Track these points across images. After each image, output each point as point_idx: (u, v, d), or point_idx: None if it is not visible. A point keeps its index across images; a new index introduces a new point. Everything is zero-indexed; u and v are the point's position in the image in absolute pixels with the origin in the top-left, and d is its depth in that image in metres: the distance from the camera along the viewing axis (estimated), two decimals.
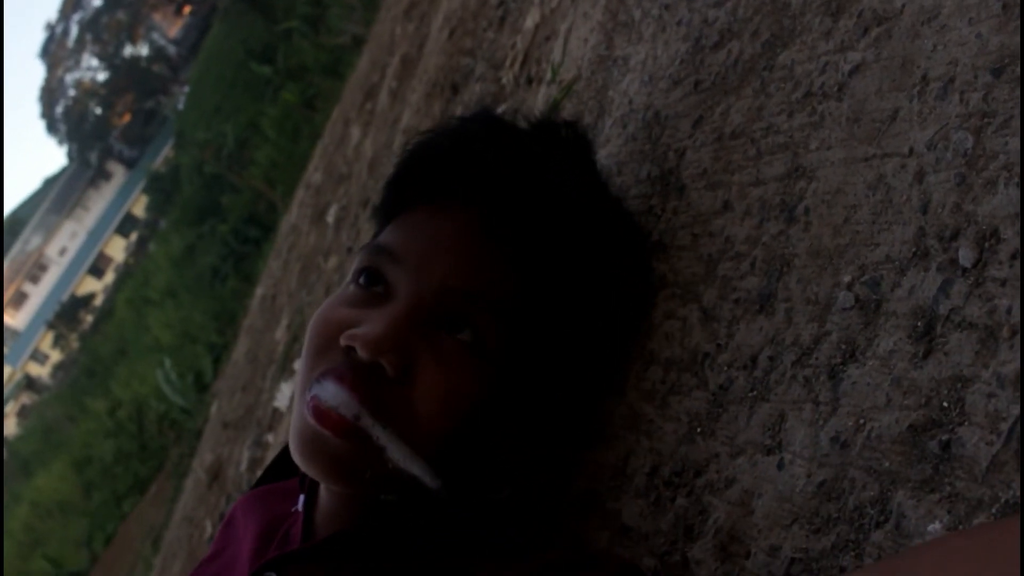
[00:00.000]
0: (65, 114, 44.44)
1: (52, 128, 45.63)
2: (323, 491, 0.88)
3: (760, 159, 0.85)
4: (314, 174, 6.58)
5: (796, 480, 0.68)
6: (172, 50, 41.90)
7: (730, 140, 0.90)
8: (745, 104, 0.90)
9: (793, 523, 0.67)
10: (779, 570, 0.67)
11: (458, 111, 2.15)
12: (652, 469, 0.86)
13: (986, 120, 0.62)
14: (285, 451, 1.07)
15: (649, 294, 0.95)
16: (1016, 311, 0.56)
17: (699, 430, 0.81)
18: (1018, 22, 0.62)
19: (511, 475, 0.88)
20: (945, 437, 0.58)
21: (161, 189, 22.84)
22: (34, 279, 54.69)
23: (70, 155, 47.25)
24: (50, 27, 46.99)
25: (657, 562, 0.81)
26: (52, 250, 54.56)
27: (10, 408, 43.76)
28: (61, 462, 15.64)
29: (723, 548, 0.74)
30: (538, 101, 1.53)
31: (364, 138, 4.43)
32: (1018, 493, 0.52)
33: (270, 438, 3.50)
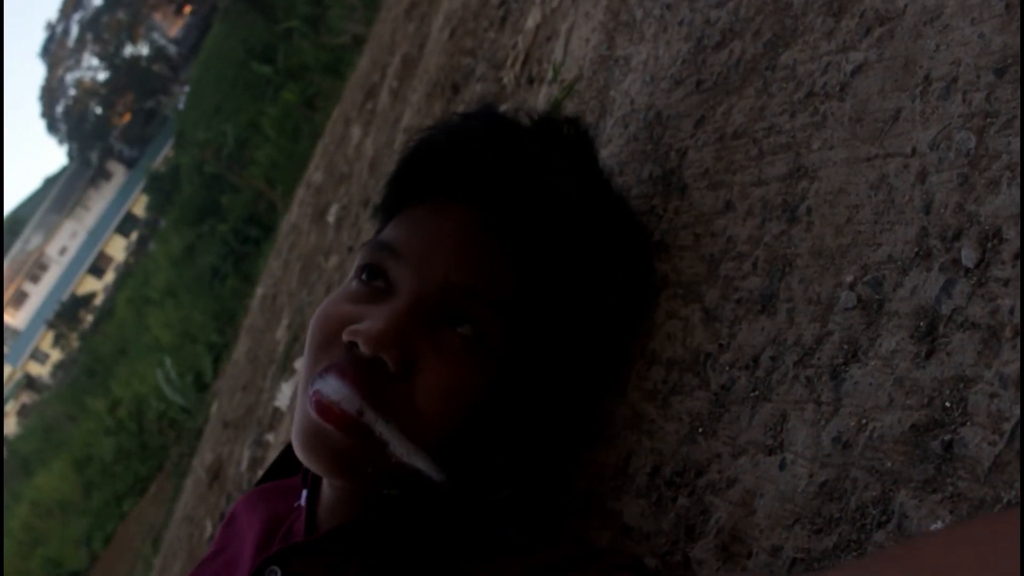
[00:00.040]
0: (65, 113, 44.46)
1: (52, 127, 45.66)
2: (326, 486, 0.89)
3: (762, 159, 0.85)
4: (315, 173, 6.58)
5: (798, 480, 0.68)
6: (172, 50, 41.91)
7: (732, 140, 0.90)
8: (747, 104, 0.90)
9: (795, 523, 0.67)
10: (781, 570, 0.67)
11: (459, 111, 2.15)
12: (654, 469, 0.86)
13: (989, 120, 0.62)
14: (286, 451, 1.07)
15: (650, 292, 0.96)
16: (1019, 311, 0.56)
17: (701, 430, 0.81)
18: (1020, 22, 0.62)
19: (512, 474, 0.88)
20: (947, 437, 0.58)
21: (161, 189, 22.84)
22: (34, 278, 54.69)
23: (70, 154, 47.29)
24: (50, 27, 47.00)
25: (658, 562, 0.80)
26: (52, 249, 54.56)
27: (10, 407, 43.77)
28: (61, 461, 15.65)
29: (725, 548, 0.74)
30: (539, 101, 1.53)
31: (365, 137, 4.43)
32: (1020, 493, 0.52)
33: (270, 438, 3.50)
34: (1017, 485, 0.53)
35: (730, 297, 0.83)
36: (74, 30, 44.49)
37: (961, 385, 0.58)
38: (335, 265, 3.58)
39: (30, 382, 43.92)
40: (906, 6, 0.73)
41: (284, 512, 0.93)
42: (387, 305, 0.79)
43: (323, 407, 0.76)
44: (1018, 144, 0.60)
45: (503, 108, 1.72)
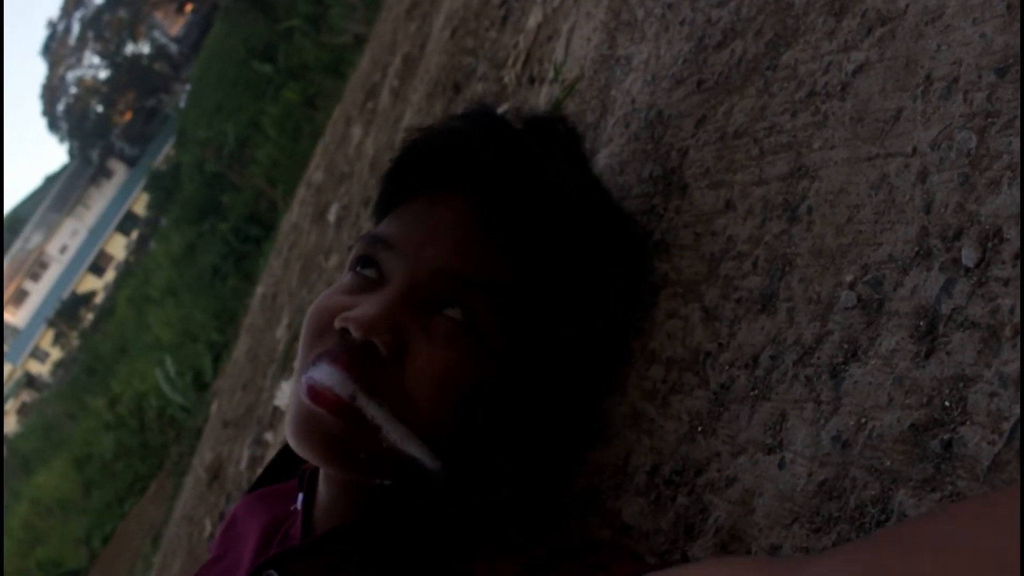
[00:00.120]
0: (66, 112, 44.46)
1: (53, 126, 45.66)
2: (321, 487, 0.89)
3: (763, 158, 0.85)
4: (315, 173, 6.58)
5: (797, 479, 0.68)
6: (173, 48, 41.92)
7: (733, 139, 0.90)
8: (748, 103, 0.90)
9: (794, 522, 0.67)
10: None
11: (456, 111, 2.15)
12: (653, 468, 0.86)
13: (990, 120, 0.62)
14: (284, 451, 1.07)
15: (645, 284, 0.96)
16: (1018, 311, 0.56)
17: (700, 429, 0.81)
18: (1021, 22, 0.62)
19: (511, 473, 0.88)
20: (947, 436, 0.58)
21: (162, 187, 22.84)
22: (35, 277, 54.71)
23: (71, 153, 47.29)
24: (52, 25, 47.01)
25: (657, 561, 0.80)
26: (53, 248, 54.57)
27: (10, 406, 43.78)
28: (61, 460, 15.65)
29: (724, 547, 0.74)
30: (540, 100, 1.53)
31: (366, 137, 4.43)
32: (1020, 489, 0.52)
33: (270, 437, 3.50)
34: (1016, 484, 0.53)
35: (730, 296, 0.83)
36: (75, 28, 44.51)
37: (961, 384, 0.58)
38: (335, 264, 3.59)
39: (30, 380, 43.94)
40: (907, 6, 0.73)
41: (282, 516, 0.93)
42: (379, 293, 0.80)
43: (315, 392, 0.77)
44: (1019, 144, 0.60)
45: (504, 108, 1.72)
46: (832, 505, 0.65)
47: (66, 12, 45.50)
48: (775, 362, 0.75)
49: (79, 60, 44.73)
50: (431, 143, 0.90)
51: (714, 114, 0.95)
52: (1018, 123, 0.60)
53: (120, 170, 50.10)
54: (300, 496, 0.91)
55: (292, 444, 0.80)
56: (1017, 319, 0.56)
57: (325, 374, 0.77)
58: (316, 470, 0.91)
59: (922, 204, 0.66)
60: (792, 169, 0.80)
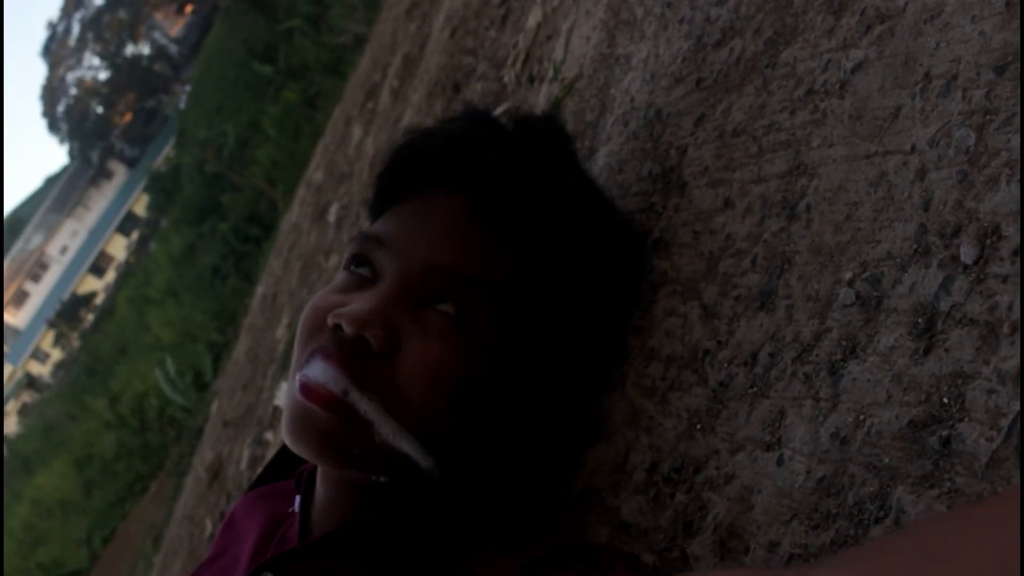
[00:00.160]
0: (66, 113, 44.46)
1: (53, 127, 45.65)
2: (319, 487, 0.89)
3: (762, 156, 0.85)
4: (315, 173, 6.59)
5: (795, 476, 0.68)
6: (173, 49, 41.92)
7: (732, 138, 0.90)
8: (747, 102, 0.90)
9: (792, 519, 0.68)
10: (778, 565, 0.67)
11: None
12: (652, 465, 0.86)
13: (988, 117, 0.62)
14: (284, 449, 1.07)
15: (640, 278, 0.96)
16: (1017, 307, 0.56)
17: (699, 426, 0.81)
18: (1020, 20, 0.62)
19: (508, 474, 0.88)
20: (945, 433, 0.58)
21: (162, 188, 22.82)
22: (35, 278, 54.71)
23: (71, 154, 47.27)
24: (52, 26, 47.01)
25: (656, 558, 0.81)
26: (53, 249, 54.57)
27: (11, 406, 43.78)
28: (62, 460, 15.65)
29: (722, 544, 0.74)
30: (540, 100, 1.53)
31: (366, 137, 4.43)
32: (1021, 486, 0.52)
33: (270, 436, 3.50)
34: (1015, 480, 0.53)
35: (729, 294, 0.83)
36: (75, 29, 44.50)
37: (959, 381, 0.58)
38: (335, 264, 3.59)
39: (31, 381, 43.93)
40: (906, 4, 0.73)
41: (281, 516, 0.93)
42: (372, 290, 0.81)
43: (308, 389, 0.78)
44: (1017, 141, 0.60)
45: (504, 107, 1.72)
46: (831, 502, 0.65)
47: (66, 13, 45.50)
48: (774, 359, 0.75)
49: (79, 61, 44.73)
50: (424, 143, 0.90)
51: (713, 112, 0.95)
52: (1016, 120, 0.60)
53: (120, 171, 50.09)
54: (298, 498, 0.91)
55: (287, 441, 0.80)
56: (1015, 316, 0.56)
57: (318, 370, 0.78)
58: (314, 471, 0.91)
59: (921, 201, 0.66)
60: (791, 167, 0.80)
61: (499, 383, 0.82)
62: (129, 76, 41.70)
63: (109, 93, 43.07)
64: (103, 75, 43.95)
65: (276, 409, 3.53)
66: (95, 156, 46.57)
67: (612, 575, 0.66)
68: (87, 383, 19.83)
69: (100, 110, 43.98)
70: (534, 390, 0.86)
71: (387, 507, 0.83)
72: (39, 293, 52.82)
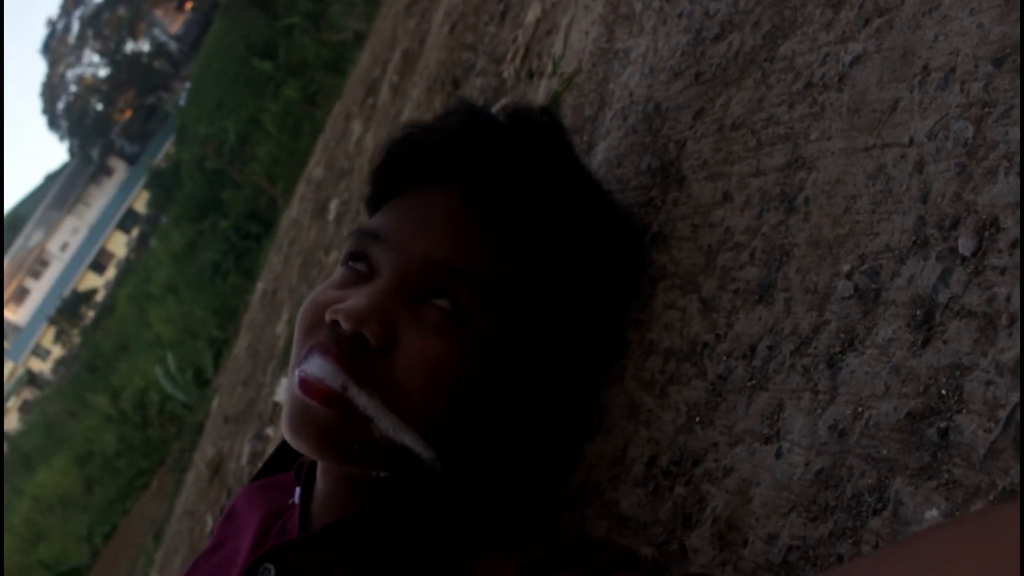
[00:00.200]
0: (66, 110, 44.44)
1: (53, 124, 45.64)
2: (319, 480, 0.89)
3: (760, 150, 0.85)
4: (315, 169, 6.58)
5: (794, 468, 0.68)
6: (173, 46, 41.90)
7: (731, 131, 0.90)
8: (746, 95, 0.90)
9: (791, 511, 0.68)
10: (776, 558, 0.67)
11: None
12: (651, 459, 0.86)
13: (987, 110, 0.62)
14: (284, 443, 1.07)
15: (638, 272, 0.96)
16: (1015, 299, 0.56)
17: (698, 419, 0.81)
18: (1019, 12, 0.62)
19: (507, 469, 0.88)
20: (943, 425, 0.58)
21: (162, 185, 22.82)
22: (36, 275, 54.72)
23: (71, 151, 47.26)
24: (51, 23, 46.99)
25: (655, 551, 0.81)
26: (53, 246, 54.57)
27: (12, 403, 43.82)
28: (63, 457, 15.67)
29: (721, 536, 0.74)
30: (539, 95, 1.53)
31: (365, 133, 4.43)
32: (1015, 480, 0.52)
33: (270, 432, 3.51)
34: (1012, 472, 0.53)
35: (727, 287, 0.83)
36: (75, 26, 44.49)
37: (957, 373, 0.58)
38: (335, 260, 3.59)
39: (32, 378, 43.96)
40: None
41: (281, 508, 0.93)
42: (369, 286, 0.81)
43: (307, 384, 0.78)
44: (1016, 133, 0.60)
45: (503, 102, 1.72)
46: (829, 494, 0.65)
47: (66, 10, 45.47)
48: (772, 352, 0.75)
49: (79, 58, 44.71)
50: (420, 138, 0.91)
51: (712, 106, 0.95)
52: (1015, 113, 0.60)
53: (120, 168, 50.09)
54: (297, 490, 0.91)
55: (287, 437, 0.81)
56: (1014, 307, 0.56)
57: (316, 366, 0.78)
58: (314, 463, 0.91)
59: (919, 194, 0.66)
60: (789, 160, 0.80)
61: (497, 378, 0.82)
62: (129, 73, 41.68)
63: (109, 90, 43.05)
64: (103, 72, 43.96)
65: (276, 405, 3.53)
66: (95, 153, 46.56)
67: None
68: (88, 380, 19.85)
69: (100, 107, 43.97)
70: (532, 384, 0.86)
71: (388, 501, 0.83)
72: (40, 290, 52.84)
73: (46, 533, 13.51)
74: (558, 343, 0.87)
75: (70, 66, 45.07)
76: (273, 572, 0.81)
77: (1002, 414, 0.55)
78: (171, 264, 15.90)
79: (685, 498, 0.80)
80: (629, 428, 0.90)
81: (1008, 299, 0.57)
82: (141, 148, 43.58)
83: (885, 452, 0.61)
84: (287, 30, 12.28)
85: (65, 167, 54.36)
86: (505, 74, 1.83)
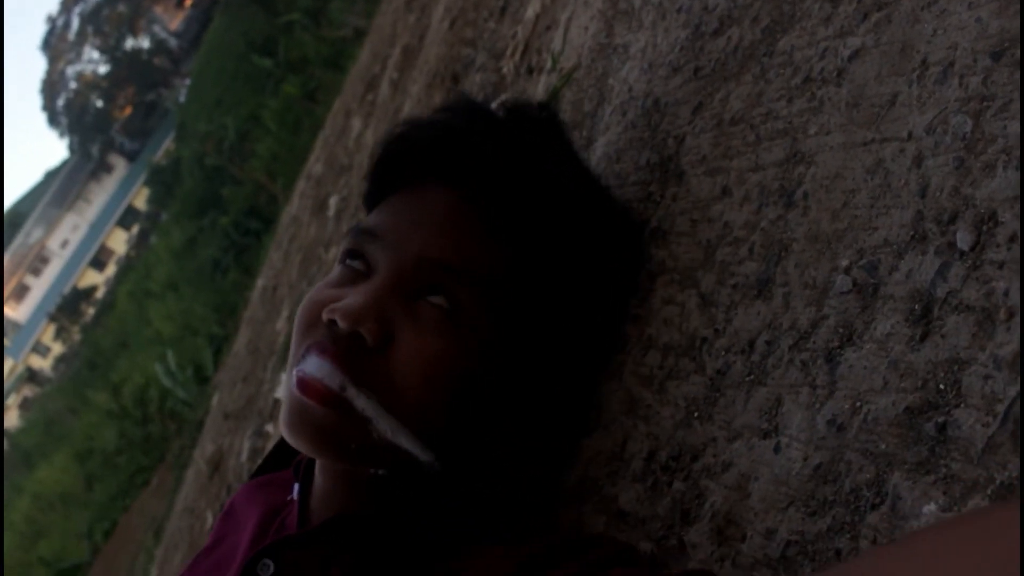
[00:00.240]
0: (66, 107, 44.39)
1: (53, 121, 45.59)
2: (317, 477, 0.89)
3: (759, 145, 0.85)
4: (315, 165, 6.58)
5: (792, 463, 0.68)
6: (173, 43, 41.87)
7: (729, 126, 0.90)
8: (745, 90, 0.90)
9: (789, 506, 0.68)
10: (775, 553, 0.67)
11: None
12: (649, 454, 0.86)
13: (985, 104, 0.62)
14: (284, 440, 1.07)
15: (636, 267, 0.96)
16: (1013, 293, 0.56)
17: (696, 415, 0.81)
18: (1018, 6, 0.62)
19: (505, 467, 0.88)
20: (941, 419, 0.58)
21: (162, 182, 22.81)
22: (36, 272, 54.72)
23: (71, 148, 47.20)
24: (51, 20, 46.92)
25: (654, 546, 0.81)
26: (54, 243, 54.57)
27: (12, 400, 43.83)
28: (63, 454, 15.68)
29: (719, 532, 0.74)
30: (538, 90, 1.53)
31: (365, 129, 4.43)
32: (1014, 474, 0.52)
33: (270, 429, 3.51)
34: (1010, 466, 0.53)
35: (726, 282, 0.83)
36: (75, 23, 44.43)
37: (955, 367, 0.58)
38: (335, 256, 3.58)
39: (32, 375, 43.98)
40: None
41: (279, 504, 0.93)
42: (366, 284, 0.81)
43: (305, 384, 0.78)
44: (1014, 127, 0.60)
45: (502, 98, 1.72)
46: (827, 489, 0.65)
47: (65, 7, 45.40)
48: (771, 347, 0.75)
49: (79, 55, 44.66)
50: (416, 134, 0.90)
51: (711, 101, 0.95)
52: (1013, 107, 0.60)
53: (120, 165, 50.07)
54: (296, 486, 0.91)
55: (285, 435, 0.81)
56: (1012, 302, 0.56)
57: (314, 366, 0.78)
58: (312, 460, 0.92)
59: (917, 188, 0.66)
60: (788, 155, 0.80)
61: (495, 376, 0.82)
62: (129, 70, 41.66)
63: (109, 87, 43.02)
64: (103, 69, 43.91)
65: (276, 401, 3.54)
66: (95, 150, 46.51)
67: None
68: (88, 377, 19.86)
69: (100, 104, 43.92)
70: (530, 382, 0.86)
71: (386, 499, 0.84)
72: (40, 287, 52.85)
73: (46, 530, 13.52)
74: (556, 340, 0.87)
75: (70, 63, 45.03)
76: (272, 568, 0.81)
77: (1000, 408, 0.54)
78: (171, 261, 15.90)
79: (684, 493, 0.80)
80: (628, 423, 0.90)
81: (1006, 293, 0.57)
82: (141, 145, 43.56)
83: (883, 447, 0.61)
84: (287, 26, 12.27)
85: (65, 164, 54.34)
86: (505, 70, 1.83)
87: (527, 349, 0.84)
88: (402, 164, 0.89)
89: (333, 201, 4.41)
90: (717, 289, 0.84)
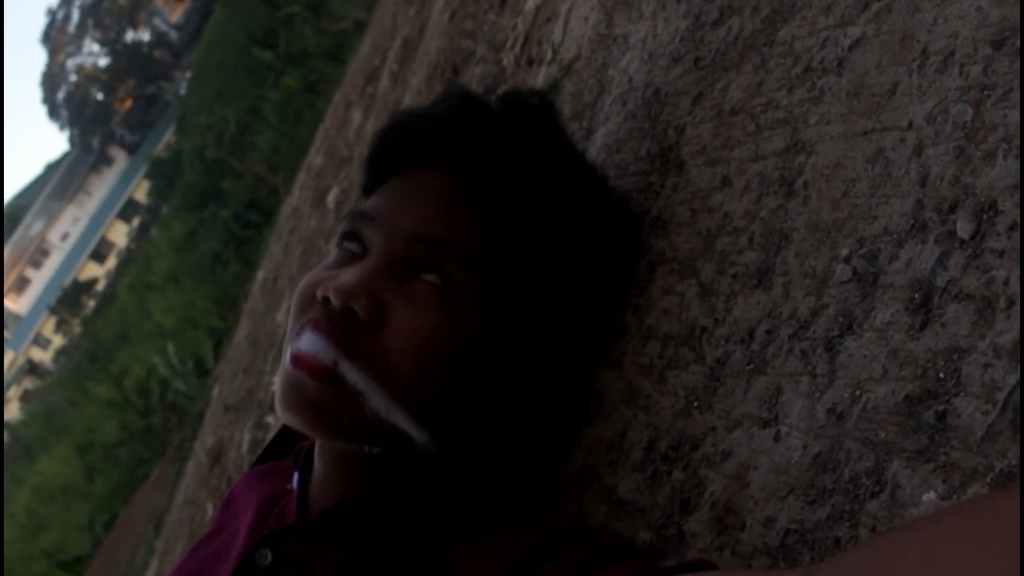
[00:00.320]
0: (67, 99, 44.38)
1: (54, 113, 45.59)
2: (316, 464, 0.90)
3: (759, 134, 0.84)
4: (315, 157, 6.58)
5: (792, 452, 0.68)
6: (174, 35, 41.84)
7: (730, 116, 0.90)
8: (745, 80, 0.89)
9: (789, 495, 0.68)
10: (774, 541, 0.68)
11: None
12: (649, 443, 0.86)
13: (986, 92, 0.62)
14: (283, 430, 1.08)
15: (631, 248, 0.97)
16: (1013, 282, 0.56)
17: (696, 404, 0.81)
18: None
19: (503, 452, 0.88)
20: (941, 407, 0.58)
21: (163, 174, 22.79)
22: (36, 264, 54.73)
23: (72, 140, 47.22)
24: (51, 12, 46.87)
25: (653, 535, 0.81)
26: (54, 235, 54.57)
27: (13, 393, 43.89)
28: (63, 446, 15.71)
29: (719, 520, 0.74)
30: (538, 82, 1.53)
31: (365, 121, 4.43)
32: (1013, 462, 0.52)
33: (270, 420, 3.51)
34: (1010, 454, 0.53)
35: (726, 272, 0.83)
36: (75, 16, 44.39)
37: (955, 356, 0.58)
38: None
39: (32, 367, 44.03)
40: None
41: (279, 493, 0.94)
42: (360, 263, 0.82)
43: (299, 360, 0.79)
44: (1015, 116, 0.59)
45: (502, 90, 1.72)
46: (827, 477, 0.65)
47: (65, 0, 45.36)
48: (771, 336, 0.75)
49: (79, 48, 44.63)
50: (411, 122, 0.92)
51: (711, 91, 0.95)
52: (1014, 95, 0.60)
53: (121, 157, 50.05)
54: (296, 475, 0.91)
55: (279, 413, 0.82)
56: (1012, 290, 0.56)
57: (308, 342, 0.79)
58: (311, 449, 0.92)
59: (918, 177, 0.66)
60: (788, 144, 0.80)
61: (489, 356, 0.83)
62: (129, 62, 41.63)
63: (109, 79, 43.00)
64: (103, 62, 43.89)
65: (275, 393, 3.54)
66: (96, 142, 46.52)
67: (603, 573, 0.66)
68: (88, 369, 19.88)
69: (100, 96, 43.92)
70: (525, 364, 0.86)
71: (383, 484, 0.84)
72: (40, 279, 52.87)
73: (47, 522, 13.54)
74: (550, 323, 0.87)
75: (70, 55, 45.00)
76: (270, 557, 0.82)
77: (1000, 397, 0.54)
78: (172, 253, 15.90)
79: (683, 482, 0.80)
80: (628, 413, 0.90)
81: (1006, 282, 0.57)
82: (142, 137, 43.53)
83: (883, 435, 0.61)
84: (287, 19, 12.26)
85: (65, 156, 54.32)
86: (505, 61, 1.83)
87: (521, 330, 0.85)
88: (398, 151, 0.90)
89: (333, 193, 4.41)
90: (717, 278, 0.84)
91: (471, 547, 0.75)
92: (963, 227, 0.61)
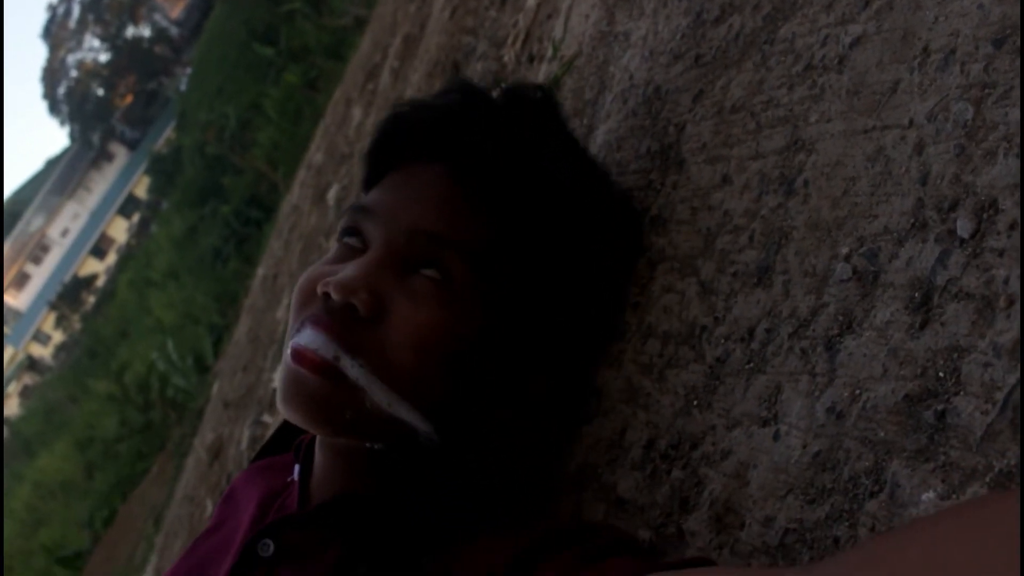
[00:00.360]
0: (67, 95, 44.32)
1: (54, 109, 45.52)
2: (317, 457, 0.90)
3: (760, 132, 0.84)
4: (316, 154, 6.57)
5: (791, 451, 0.68)
6: (174, 31, 41.81)
7: (730, 114, 0.90)
8: (746, 78, 0.89)
9: (788, 494, 0.68)
10: (773, 540, 0.67)
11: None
12: (648, 442, 0.86)
13: (986, 91, 0.62)
14: (283, 425, 1.08)
15: (631, 243, 0.96)
16: (1013, 281, 0.56)
17: (696, 403, 0.81)
18: None
19: (503, 449, 0.88)
20: (940, 407, 0.58)
21: (163, 170, 22.77)
22: (36, 260, 54.74)
23: (72, 136, 47.16)
24: (52, 8, 46.81)
25: (652, 534, 0.81)
26: (54, 231, 54.56)
27: (12, 388, 43.89)
28: (63, 442, 15.71)
29: (718, 519, 0.74)
30: (539, 78, 1.53)
31: (366, 118, 4.42)
32: (1013, 462, 0.52)
33: (269, 418, 3.51)
34: (1009, 454, 0.53)
35: (726, 270, 0.83)
36: (76, 11, 44.34)
37: (955, 355, 0.58)
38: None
39: (32, 363, 44.03)
40: None
41: (280, 487, 0.94)
42: (360, 258, 0.82)
43: (299, 355, 0.79)
44: (1015, 115, 0.59)
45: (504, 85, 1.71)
46: (826, 476, 0.65)
47: None
48: (770, 335, 0.75)
49: (79, 43, 44.58)
50: (411, 115, 0.92)
51: (712, 89, 0.94)
52: (1015, 94, 0.60)
53: (121, 153, 50.03)
54: (297, 467, 0.91)
55: (280, 408, 0.82)
56: (1012, 289, 0.56)
57: (308, 337, 0.79)
58: (312, 442, 0.92)
59: (918, 176, 0.65)
60: (789, 142, 0.80)
61: (489, 350, 0.83)
62: (130, 58, 41.60)
63: (110, 75, 42.97)
64: (104, 57, 43.84)
65: (276, 390, 3.54)
66: (96, 138, 46.47)
67: (603, 566, 0.66)
68: (88, 365, 19.87)
69: (101, 92, 43.87)
70: (526, 360, 0.86)
71: (385, 477, 0.84)
72: (40, 275, 52.88)
73: (47, 518, 13.54)
74: (550, 319, 0.87)
75: (71, 51, 44.95)
76: (272, 548, 0.82)
77: (999, 396, 0.54)
78: (172, 249, 15.89)
79: (683, 481, 0.80)
80: (627, 411, 0.90)
81: (1006, 281, 0.56)
82: (142, 133, 43.53)
83: (882, 434, 0.61)
84: (288, 15, 12.23)
85: (66, 152, 54.29)
86: (506, 58, 1.83)
87: (521, 326, 0.85)
88: (398, 144, 0.90)
89: (333, 190, 4.40)
90: (717, 277, 0.84)
91: (471, 543, 0.75)
92: (963, 226, 0.61)
